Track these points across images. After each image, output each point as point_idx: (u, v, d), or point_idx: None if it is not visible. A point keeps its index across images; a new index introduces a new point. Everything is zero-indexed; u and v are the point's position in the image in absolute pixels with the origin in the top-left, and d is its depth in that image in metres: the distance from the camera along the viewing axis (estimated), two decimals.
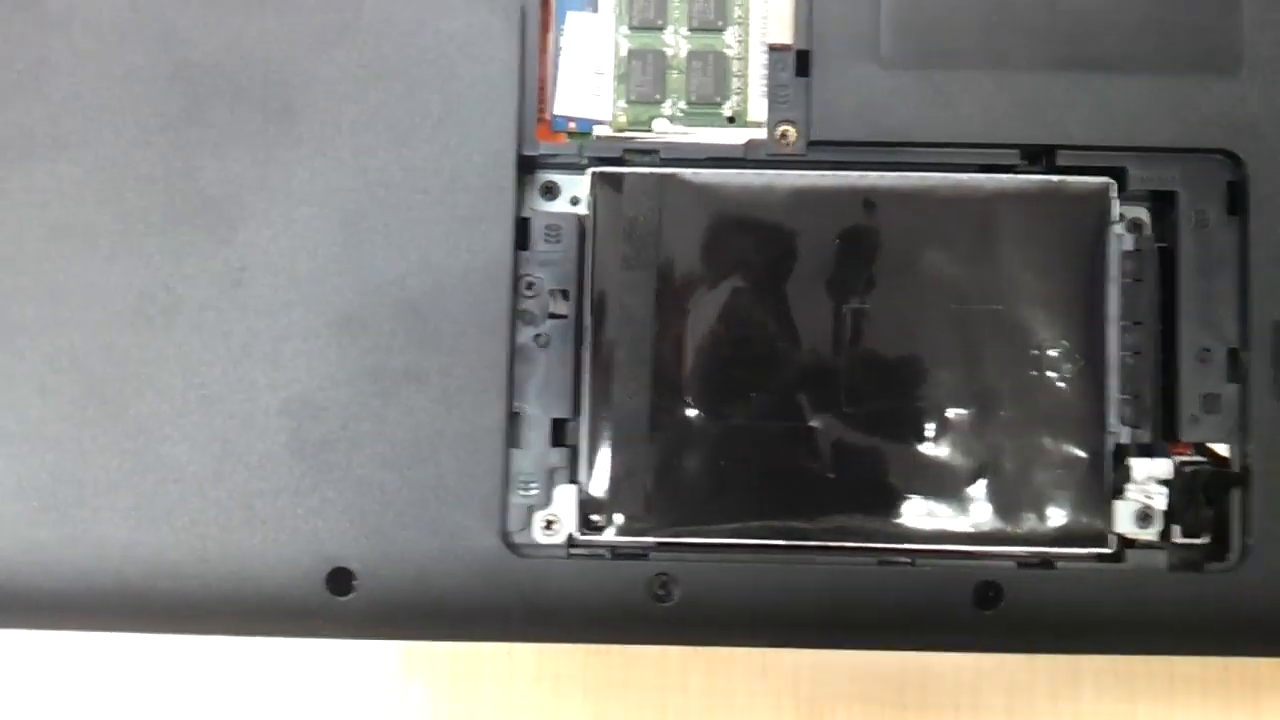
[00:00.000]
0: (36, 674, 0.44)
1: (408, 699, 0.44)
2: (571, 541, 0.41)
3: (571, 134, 0.42)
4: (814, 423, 0.41)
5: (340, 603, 0.40)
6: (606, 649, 0.44)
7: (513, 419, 0.40)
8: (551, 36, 0.42)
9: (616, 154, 0.41)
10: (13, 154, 0.40)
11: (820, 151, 0.41)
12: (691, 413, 0.40)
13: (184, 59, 0.41)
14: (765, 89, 0.42)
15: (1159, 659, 0.45)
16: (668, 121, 0.42)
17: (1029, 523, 0.40)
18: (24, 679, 0.44)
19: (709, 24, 0.42)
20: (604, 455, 0.40)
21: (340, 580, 0.40)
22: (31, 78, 0.41)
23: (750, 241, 0.41)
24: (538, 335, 0.41)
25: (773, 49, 0.41)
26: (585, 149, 0.42)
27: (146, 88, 0.41)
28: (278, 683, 0.44)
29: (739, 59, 0.42)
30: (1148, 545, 0.41)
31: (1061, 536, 0.41)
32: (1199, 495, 0.41)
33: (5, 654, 0.44)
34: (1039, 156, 0.41)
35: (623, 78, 0.42)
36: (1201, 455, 0.41)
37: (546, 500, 0.41)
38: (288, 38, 0.41)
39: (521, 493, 0.41)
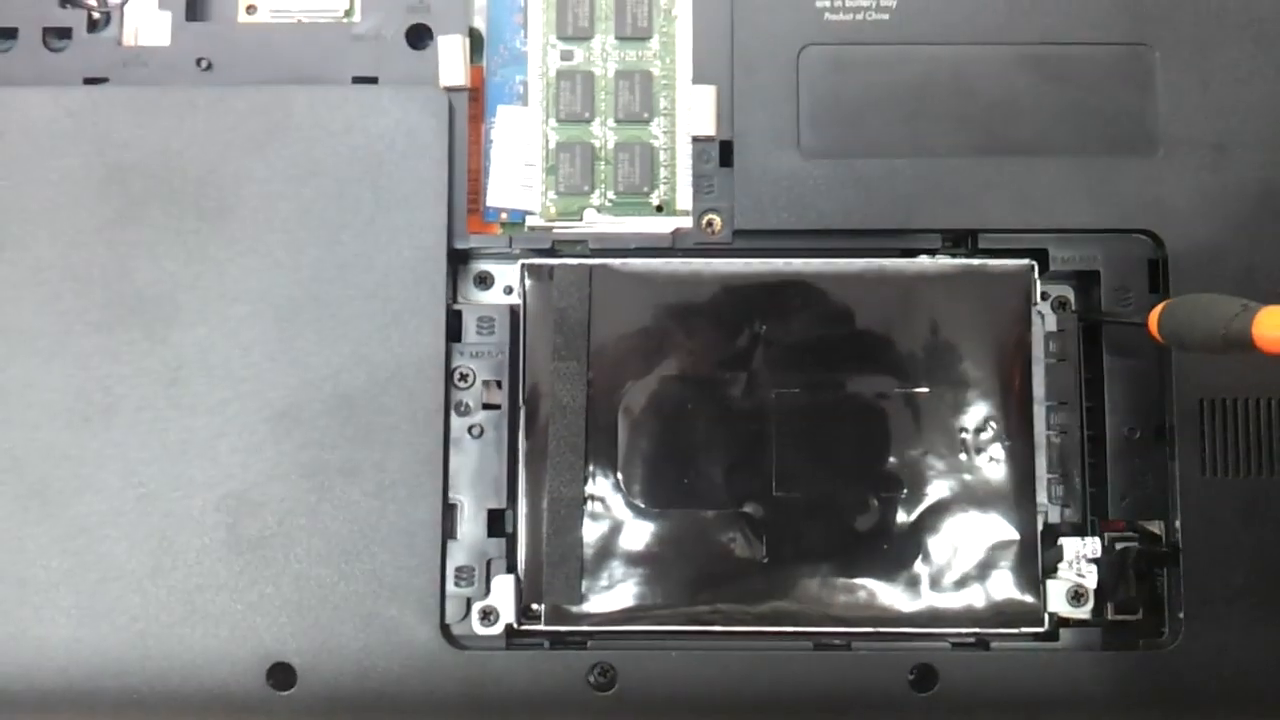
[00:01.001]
0: None
1: None
2: (510, 632, 0.41)
3: (504, 224, 0.43)
4: (746, 508, 0.41)
5: (282, 698, 0.40)
6: None
7: (448, 510, 0.41)
8: (483, 128, 0.43)
9: (547, 244, 0.42)
10: None
11: (746, 239, 0.42)
12: (626, 500, 0.41)
13: (117, 162, 0.41)
14: (691, 179, 0.42)
15: None
16: (596, 211, 0.43)
17: (963, 603, 0.41)
18: None
19: (635, 116, 0.43)
20: (540, 545, 0.41)
21: (281, 675, 0.40)
22: None
23: (679, 329, 0.42)
24: (472, 427, 0.42)
25: (696, 140, 0.42)
26: (516, 240, 0.42)
27: (81, 191, 0.41)
28: None
29: (666, 149, 0.43)
30: (1081, 623, 0.42)
31: (996, 617, 0.41)
32: (1129, 572, 0.41)
33: None
34: (961, 240, 0.42)
35: (552, 169, 0.43)
36: (1133, 532, 0.42)
37: (484, 591, 0.41)
38: (220, 140, 0.41)
39: (459, 584, 0.41)
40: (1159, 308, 0.38)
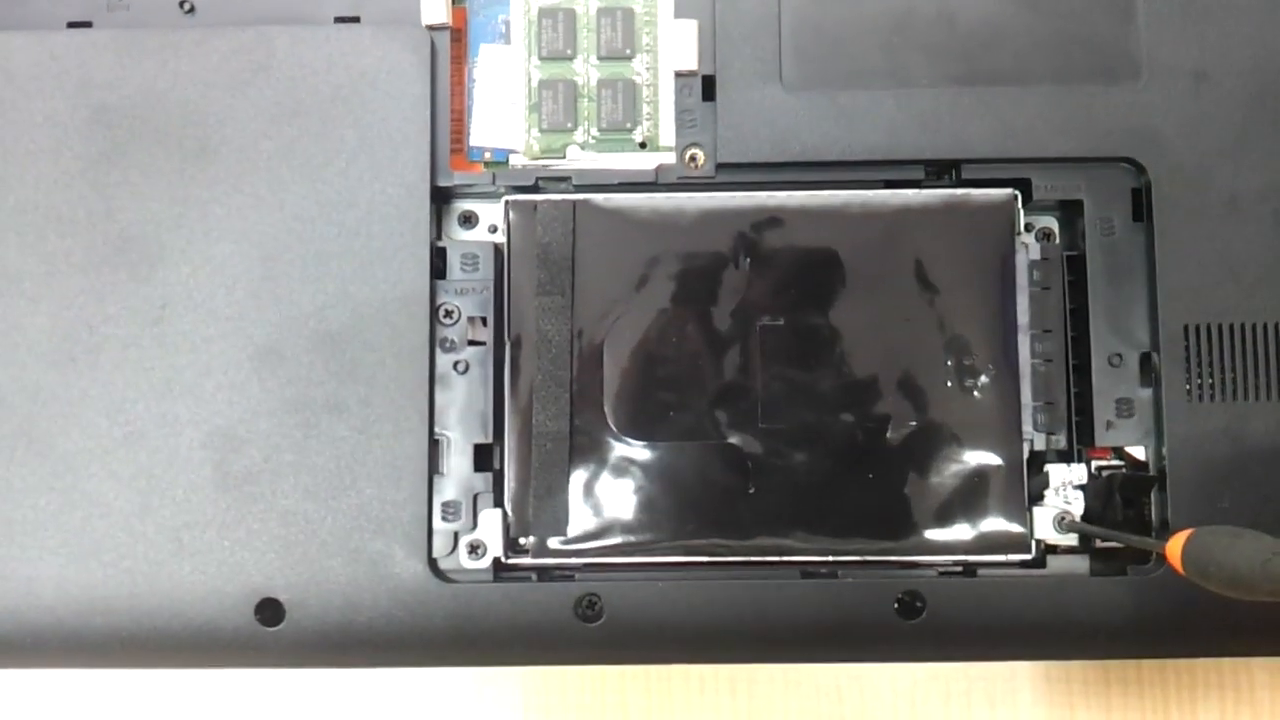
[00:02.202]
0: None
1: None
2: (498, 565, 0.41)
3: (488, 163, 0.43)
4: (732, 439, 0.41)
5: (270, 633, 0.40)
6: (544, 671, 0.44)
7: (434, 446, 0.41)
8: (465, 68, 0.43)
9: (530, 181, 0.42)
10: None
11: (728, 173, 0.42)
12: (611, 434, 0.41)
13: (101, 103, 0.41)
14: (673, 114, 0.42)
15: (1095, 663, 0.45)
16: (580, 149, 0.43)
17: (950, 531, 0.41)
18: None
19: (617, 53, 0.43)
20: (527, 479, 0.41)
21: (270, 611, 0.40)
22: None
23: (663, 263, 0.42)
24: (457, 363, 0.42)
25: (679, 75, 0.42)
26: (500, 178, 0.42)
27: (66, 132, 0.41)
28: (202, 714, 0.44)
29: (648, 85, 0.43)
30: (1069, 550, 0.42)
31: (983, 544, 0.41)
32: (1115, 498, 0.41)
33: None
34: (943, 171, 0.42)
35: (535, 107, 0.43)
36: (1118, 459, 0.42)
37: (472, 525, 0.41)
38: (202, 80, 0.42)
39: (446, 519, 0.41)
40: (1180, 538, 0.35)
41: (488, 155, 0.43)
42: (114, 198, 0.41)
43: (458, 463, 0.42)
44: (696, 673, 0.45)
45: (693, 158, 0.42)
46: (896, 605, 0.40)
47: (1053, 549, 0.42)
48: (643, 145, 0.43)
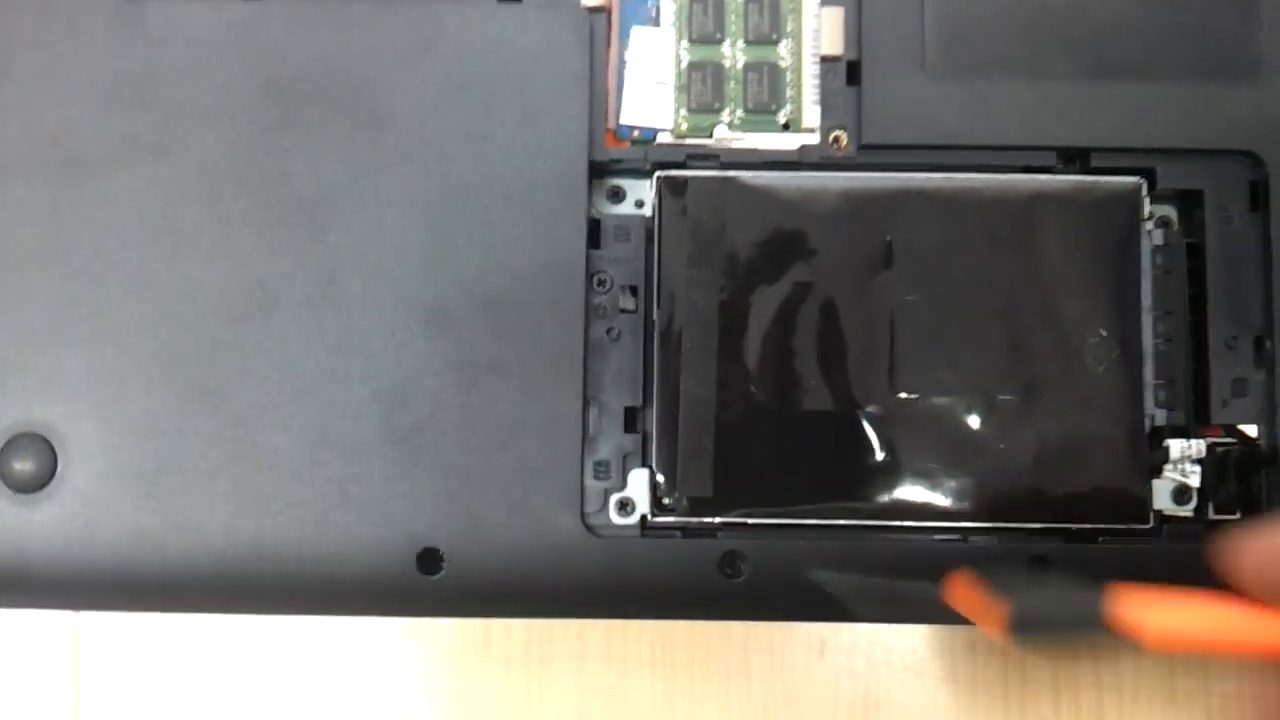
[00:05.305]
0: (142, 655, 0.46)
1: (484, 677, 0.46)
2: (645, 522, 0.43)
3: (635, 141, 0.45)
4: (869, 408, 0.43)
5: (430, 582, 0.42)
6: (673, 629, 0.46)
7: (587, 407, 0.43)
8: (615, 50, 0.45)
9: (679, 159, 0.44)
10: (119, 161, 0.43)
11: (870, 155, 0.44)
12: (754, 400, 0.43)
13: (277, 72, 0.43)
14: (817, 97, 0.45)
15: None
16: (726, 128, 0.45)
17: (1073, 501, 0.43)
18: (130, 660, 0.46)
19: (764, 37, 0.45)
20: (674, 441, 0.43)
21: (430, 560, 0.42)
22: (135, 90, 0.43)
23: (806, 239, 0.44)
24: (609, 329, 0.44)
25: (824, 59, 0.44)
26: (650, 154, 0.44)
27: (243, 99, 0.43)
28: (360, 661, 0.46)
29: (792, 70, 0.45)
30: (1183, 520, 0.44)
31: (1104, 513, 0.43)
32: (1230, 474, 0.43)
33: (112, 637, 0.46)
34: (1074, 158, 0.44)
35: (683, 88, 0.45)
36: (1231, 437, 0.44)
37: (621, 484, 0.43)
38: (375, 52, 0.43)
39: (597, 478, 0.43)
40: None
41: (635, 134, 0.45)
42: (288, 163, 0.43)
43: (609, 424, 0.44)
44: (818, 633, 0.47)
45: (836, 139, 0.44)
46: (1024, 568, 0.43)
47: (1168, 519, 0.44)
48: (785, 126, 0.45)
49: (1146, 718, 0.47)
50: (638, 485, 0.43)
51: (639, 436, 0.44)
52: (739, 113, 0.45)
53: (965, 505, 0.43)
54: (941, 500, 0.43)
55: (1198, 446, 0.44)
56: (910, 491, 0.43)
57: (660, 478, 0.43)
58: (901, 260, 0.44)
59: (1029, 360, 0.43)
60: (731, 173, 0.44)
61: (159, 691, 0.46)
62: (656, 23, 0.45)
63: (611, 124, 0.45)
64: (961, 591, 0.38)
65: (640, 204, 0.45)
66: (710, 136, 0.45)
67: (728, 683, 0.47)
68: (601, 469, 0.43)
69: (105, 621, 0.46)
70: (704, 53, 0.45)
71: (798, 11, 0.45)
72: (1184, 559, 0.43)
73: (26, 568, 0.42)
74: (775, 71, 0.45)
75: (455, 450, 0.42)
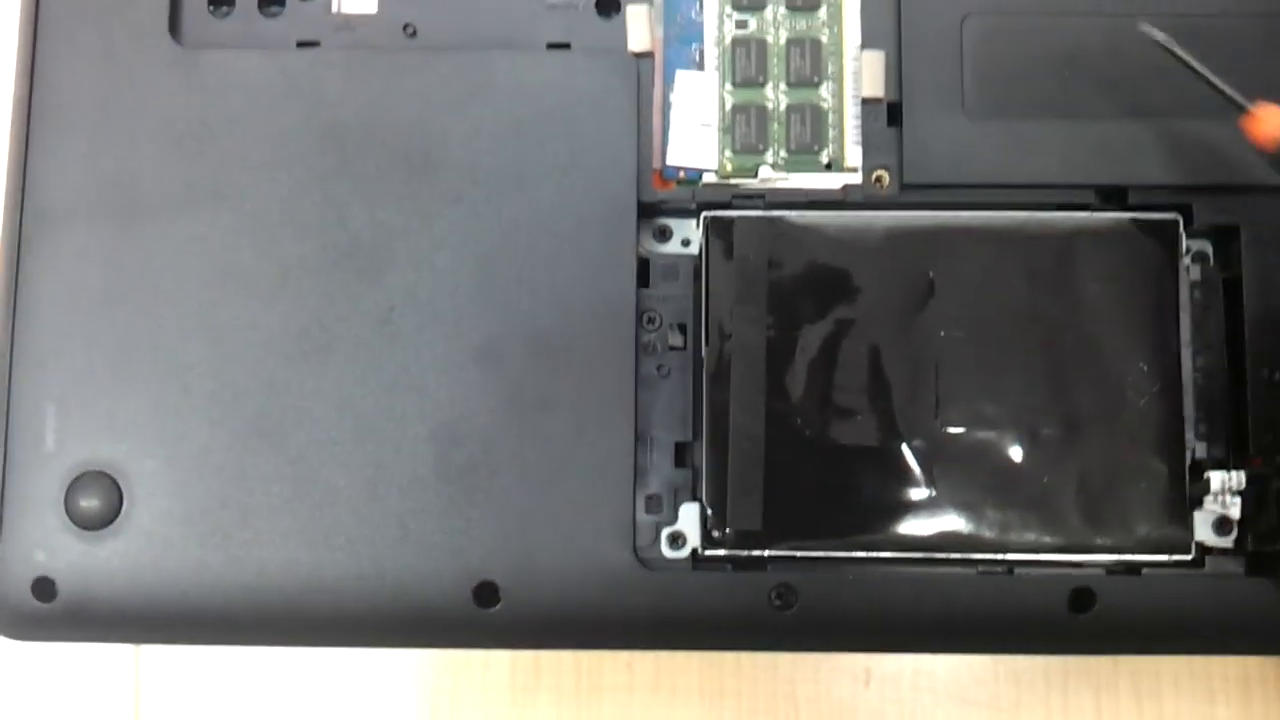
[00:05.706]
0: (202, 687, 0.47)
1: (535, 707, 0.47)
2: (696, 555, 0.44)
3: (681, 182, 0.46)
4: (915, 443, 0.44)
5: (486, 615, 0.43)
6: (720, 659, 0.47)
7: (639, 443, 0.44)
8: (660, 94, 0.46)
9: (725, 199, 0.45)
10: (179, 206, 0.44)
11: (912, 194, 0.45)
12: (801, 435, 0.44)
13: (333, 119, 0.45)
14: (859, 138, 0.46)
15: (1234, 660, 0.48)
16: (770, 168, 0.46)
17: (1117, 532, 0.44)
18: (190, 692, 0.47)
19: (805, 80, 0.46)
20: (724, 476, 0.44)
21: (486, 594, 0.43)
22: (195, 138, 0.45)
23: (851, 276, 0.45)
24: (659, 366, 0.45)
25: (865, 101, 0.45)
26: (696, 195, 0.45)
27: (300, 145, 0.44)
28: (414, 692, 0.47)
29: (834, 111, 0.46)
30: (1224, 552, 0.45)
31: (1147, 545, 0.44)
32: (1271, 505, 0.44)
33: (177, 669, 0.47)
34: (1112, 196, 0.45)
35: (728, 130, 0.46)
36: (1271, 468, 0.45)
37: (673, 517, 0.44)
38: (428, 98, 0.45)
39: (649, 512, 0.44)
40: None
41: (681, 174, 0.46)
42: (345, 207, 0.44)
43: (659, 459, 0.44)
44: (863, 664, 0.48)
45: (879, 179, 0.45)
46: (1069, 600, 0.43)
47: (1209, 550, 0.45)
48: (828, 166, 0.46)
49: None
50: (689, 519, 0.44)
51: (689, 471, 0.44)
52: (782, 153, 0.46)
53: (1009, 537, 0.44)
54: (986, 532, 0.44)
55: (1238, 478, 0.44)
56: (955, 523, 0.44)
57: (710, 511, 0.44)
58: (944, 296, 0.45)
59: (1070, 394, 0.44)
60: (776, 212, 0.45)
61: None
62: (700, 66, 0.47)
63: (658, 165, 0.46)
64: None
65: (687, 243, 0.46)
66: (755, 177, 0.46)
67: (775, 713, 0.48)
68: (653, 503, 0.44)
69: (166, 654, 0.47)
70: (747, 95, 0.46)
71: (838, 54, 0.46)
72: (1228, 588, 0.44)
73: (91, 603, 0.43)
74: (817, 113, 0.46)
75: (510, 485, 0.43)
